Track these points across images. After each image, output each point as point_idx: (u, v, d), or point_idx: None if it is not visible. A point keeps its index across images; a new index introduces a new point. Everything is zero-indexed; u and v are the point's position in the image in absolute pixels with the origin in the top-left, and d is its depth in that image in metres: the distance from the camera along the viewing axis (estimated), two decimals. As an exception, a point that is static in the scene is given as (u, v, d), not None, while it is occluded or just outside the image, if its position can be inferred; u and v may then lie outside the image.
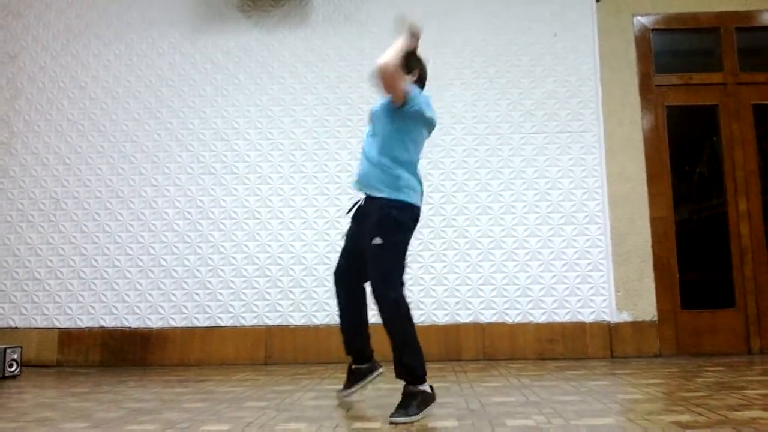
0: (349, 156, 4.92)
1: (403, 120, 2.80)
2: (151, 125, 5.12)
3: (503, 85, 4.99)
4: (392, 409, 2.62)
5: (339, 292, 2.98)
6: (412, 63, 2.89)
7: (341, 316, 3.00)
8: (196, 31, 5.22)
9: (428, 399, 2.65)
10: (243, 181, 4.99)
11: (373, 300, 2.74)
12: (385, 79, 2.69)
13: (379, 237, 2.72)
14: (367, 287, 2.89)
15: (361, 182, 2.90)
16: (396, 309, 2.70)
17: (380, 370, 3.00)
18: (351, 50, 5.11)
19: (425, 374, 2.69)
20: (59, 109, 5.20)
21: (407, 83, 2.81)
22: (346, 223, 4.79)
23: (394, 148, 2.81)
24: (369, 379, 2.98)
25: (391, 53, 2.68)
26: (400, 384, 2.71)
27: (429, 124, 2.90)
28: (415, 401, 2.60)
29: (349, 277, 2.96)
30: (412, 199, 2.80)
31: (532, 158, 4.88)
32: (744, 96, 4.96)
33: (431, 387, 2.71)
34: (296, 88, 5.09)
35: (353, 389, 2.99)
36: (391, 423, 2.51)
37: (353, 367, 3.01)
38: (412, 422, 2.51)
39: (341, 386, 3.06)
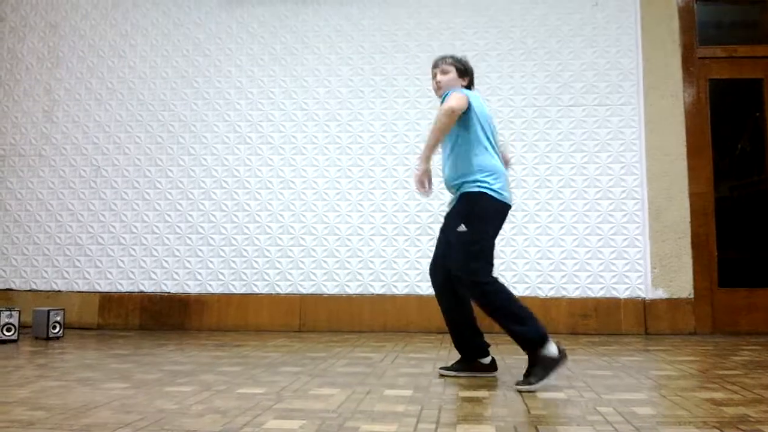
0: (383, 127, 4.91)
1: (462, 124, 2.89)
2: (188, 94, 5.17)
3: (541, 56, 4.91)
4: (421, 378, 2.72)
5: (435, 290, 3.05)
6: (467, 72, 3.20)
7: (444, 316, 3.04)
8: (232, 0, 5.23)
9: (551, 364, 2.63)
10: (278, 152, 5.03)
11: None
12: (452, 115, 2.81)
13: (462, 225, 2.82)
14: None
15: (448, 185, 3.00)
16: (479, 288, 2.77)
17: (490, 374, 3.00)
18: (386, 19, 5.06)
19: (541, 336, 2.67)
20: (99, 78, 5.28)
21: (449, 100, 2.83)
22: (380, 193, 4.87)
23: (466, 152, 2.89)
24: (476, 374, 2.96)
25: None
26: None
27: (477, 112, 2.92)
28: (535, 368, 2.64)
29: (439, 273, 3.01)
30: (492, 191, 2.83)
31: (569, 131, 4.81)
32: (791, 69, 4.80)
33: (558, 348, 2.66)
34: (331, 58, 5.08)
35: (457, 374, 2.98)
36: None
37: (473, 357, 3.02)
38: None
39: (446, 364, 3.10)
